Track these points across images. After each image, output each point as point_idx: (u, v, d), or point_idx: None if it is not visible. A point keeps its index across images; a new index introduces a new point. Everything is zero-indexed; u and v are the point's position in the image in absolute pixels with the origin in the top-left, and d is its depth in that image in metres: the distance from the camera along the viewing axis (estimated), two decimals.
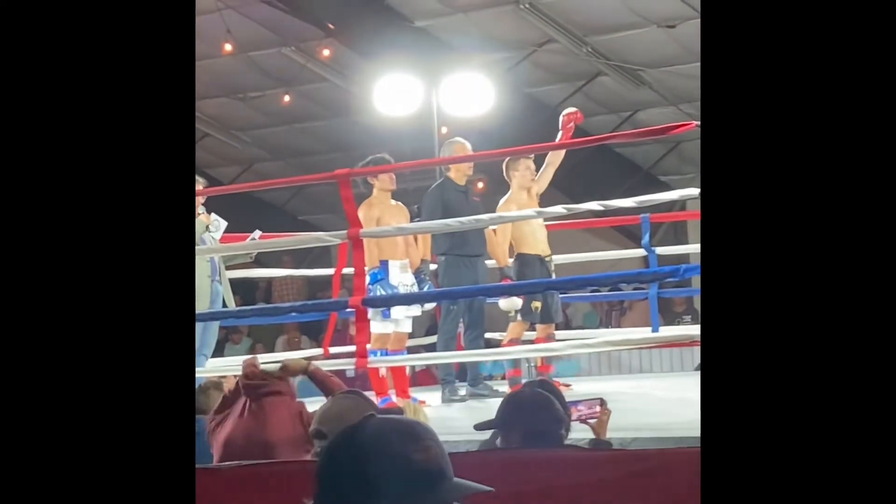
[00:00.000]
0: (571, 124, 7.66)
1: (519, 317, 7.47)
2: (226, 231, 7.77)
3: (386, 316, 7.06)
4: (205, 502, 3.83)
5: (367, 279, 6.87)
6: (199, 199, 7.64)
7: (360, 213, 6.92)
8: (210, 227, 7.61)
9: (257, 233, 7.93)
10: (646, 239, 8.41)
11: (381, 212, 7.17)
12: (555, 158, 7.64)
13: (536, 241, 7.56)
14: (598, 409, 4.48)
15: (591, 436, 4.46)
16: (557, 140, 7.62)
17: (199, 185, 7.75)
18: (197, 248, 7.46)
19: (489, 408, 4.02)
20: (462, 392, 7.54)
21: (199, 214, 7.56)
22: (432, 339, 9.18)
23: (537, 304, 7.43)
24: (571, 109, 7.80)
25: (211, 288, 7.56)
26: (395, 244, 7.16)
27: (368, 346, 6.71)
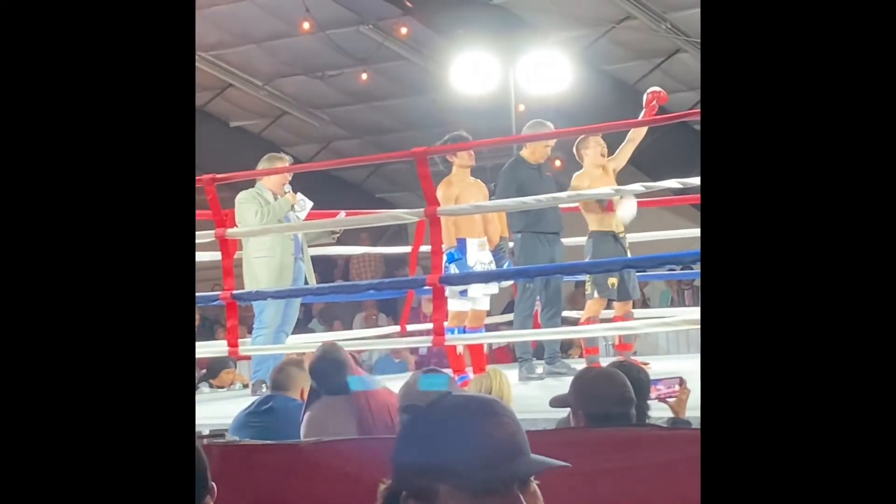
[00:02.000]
0: (654, 102, 7.59)
1: (596, 294, 7.44)
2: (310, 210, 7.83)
3: (463, 295, 7.07)
4: (278, 476, 3.89)
5: (444, 259, 6.89)
6: (286, 178, 7.70)
7: (439, 192, 6.92)
8: (295, 207, 7.67)
9: (342, 213, 7.98)
10: None
11: (460, 189, 7.16)
12: (636, 135, 7.59)
13: (609, 218, 7.49)
14: (677, 388, 4.47)
15: (671, 415, 4.45)
16: (641, 118, 7.57)
17: (285, 163, 7.81)
18: (281, 225, 7.54)
19: (565, 386, 4.01)
20: (539, 370, 7.54)
21: (285, 193, 7.62)
22: (510, 316, 9.19)
23: (613, 281, 7.39)
24: (656, 88, 7.73)
25: (294, 266, 7.62)
26: (472, 222, 7.16)
27: (446, 324, 6.73)
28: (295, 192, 7.70)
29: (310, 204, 7.77)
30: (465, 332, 7.15)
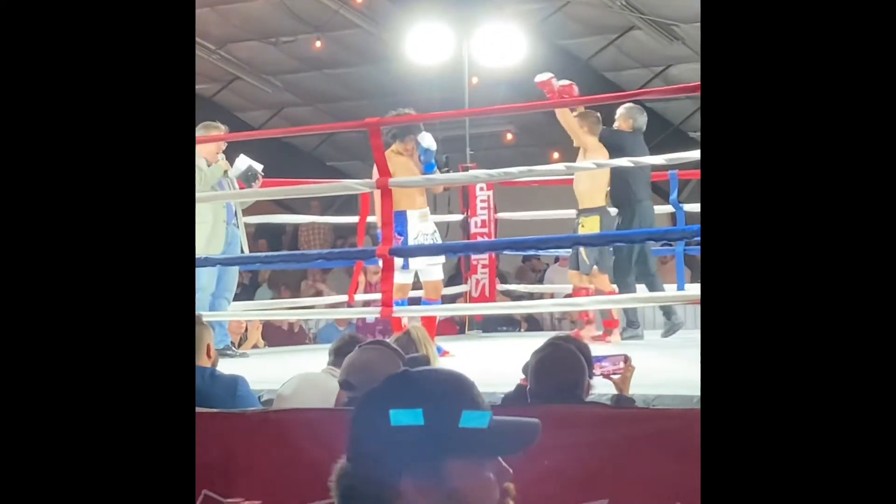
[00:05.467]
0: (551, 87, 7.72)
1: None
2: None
3: (405, 267, 7.09)
4: (224, 445, 3.90)
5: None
6: (220, 147, 7.67)
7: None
8: (228, 173, 7.64)
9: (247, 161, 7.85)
10: (674, 195, 8.40)
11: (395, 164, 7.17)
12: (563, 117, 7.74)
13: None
14: (622, 364, 4.50)
15: (615, 391, 4.49)
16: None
17: (220, 132, 7.77)
18: (220, 193, 7.51)
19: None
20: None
21: (218, 161, 7.60)
22: (459, 288, 9.22)
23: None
24: (542, 77, 7.77)
25: (227, 231, 7.61)
26: (412, 194, 7.18)
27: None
28: (231, 158, 7.67)
29: (260, 167, 7.72)
30: (429, 304, 7.19)
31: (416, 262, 7.11)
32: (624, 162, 6.93)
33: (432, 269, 7.29)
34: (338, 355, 5.04)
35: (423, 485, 1.59)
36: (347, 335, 5.41)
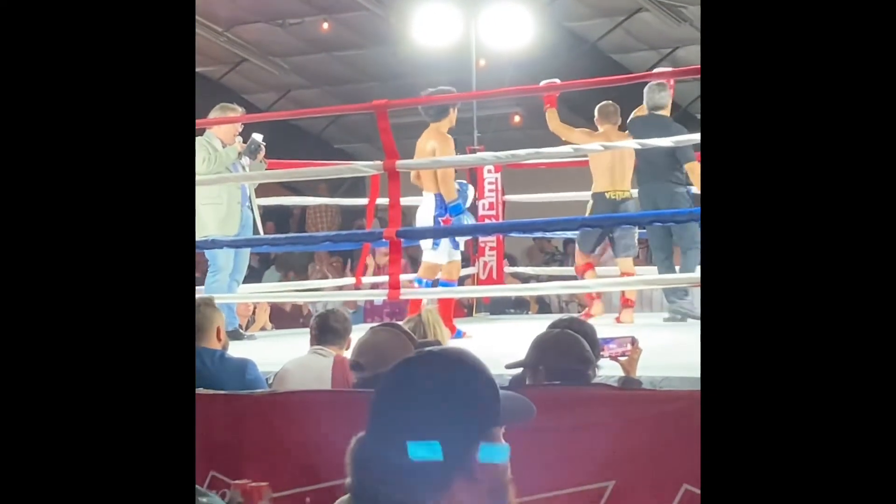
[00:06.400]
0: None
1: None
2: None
3: (436, 245, 7.13)
4: (232, 426, 3.91)
5: (447, 211, 7.07)
6: (237, 129, 7.67)
7: (435, 143, 7.07)
8: (241, 155, 7.62)
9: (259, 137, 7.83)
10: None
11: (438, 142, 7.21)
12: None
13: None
14: (629, 346, 4.51)
15: (622, 373, 4.50)
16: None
17: (237, 113, 7.77)
18: (229, 174, 7.51)
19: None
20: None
21: (234, 143, 7.59)
22: (470, 269, 9.22)
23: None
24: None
25: (241, 213, 7.61)
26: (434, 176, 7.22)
27: (416, 276, 6.79)
28: (249, 134, 7.66)
29: (260, 137, 7.66)
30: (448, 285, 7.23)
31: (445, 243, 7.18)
32: (633, 144, 6.91)
33: (457, 251, 7.33)
34: (322, 332, 5.05)
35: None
36: (324, 310, 5.41)
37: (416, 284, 7.36)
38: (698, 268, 7.06)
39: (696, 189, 7.49)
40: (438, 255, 7.22)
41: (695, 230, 7.18)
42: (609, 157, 7.63)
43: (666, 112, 7.65)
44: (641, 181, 7.71)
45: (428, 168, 7.09)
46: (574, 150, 7.37)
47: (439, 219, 7.13)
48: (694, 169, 7.36)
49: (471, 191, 7.60)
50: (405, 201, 7.10)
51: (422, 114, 7.33)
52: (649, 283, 7.69)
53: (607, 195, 7.75)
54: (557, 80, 7.76)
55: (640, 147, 6.94)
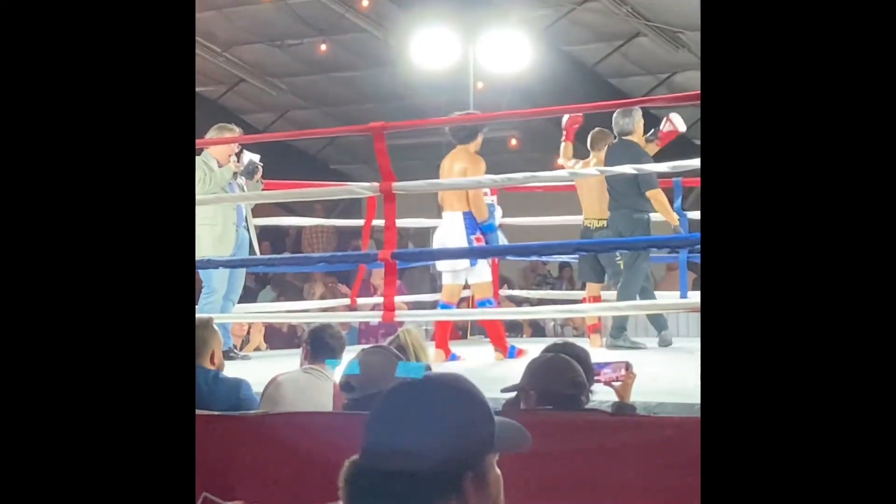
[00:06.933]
0: (576, 126, 7.97)
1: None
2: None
3: (474, 264, 7.12)
4: (225, 447, 3.90)
5: (479, 231, 7.05)
6: (233, 149, 7.66)
7: (472, 163, 7.05)
8: (237, 176, 7.62)
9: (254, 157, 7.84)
10: (678, 203, 8.39)
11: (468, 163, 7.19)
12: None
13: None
14: (623, 372, 4.50)
15: (616, 399, 4.49)
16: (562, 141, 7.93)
17: (234, 133, 7.76)
18: (226, 195, 7.50)
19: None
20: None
21: (230, 163, 7.59)
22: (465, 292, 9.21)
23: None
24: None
25: (237, 234, 7.60)
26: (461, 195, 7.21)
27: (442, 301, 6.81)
28: (241, 154, 7.66)
29: (257, 157, 7.66)
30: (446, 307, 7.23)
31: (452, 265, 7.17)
32: (627, 170, 6.92)
33: (461, 273, 7.32)
34: (315, 348, 5.02)
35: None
36: (317, 326, 5.39)
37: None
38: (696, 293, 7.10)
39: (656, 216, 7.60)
40: (480, 272, 7.21)
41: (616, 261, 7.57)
42: (586, 185, 7.70)
43: (635, 137, 7.68)
44: (610, 208, 7.75)
45: (426, 191, 7.08)
46: (570, 175, 7.39)
47: (472, 237, 7.09)
48: (655, 196, 7.40)
49: (498, 211, 7.59)
50: (401, 223, 7.09)
51: (450, 136, 7.31)
52: (645, 308, 7.67)
53: (584, 222, 7.88)
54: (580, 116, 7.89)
55: (599, 175, 7.09)
